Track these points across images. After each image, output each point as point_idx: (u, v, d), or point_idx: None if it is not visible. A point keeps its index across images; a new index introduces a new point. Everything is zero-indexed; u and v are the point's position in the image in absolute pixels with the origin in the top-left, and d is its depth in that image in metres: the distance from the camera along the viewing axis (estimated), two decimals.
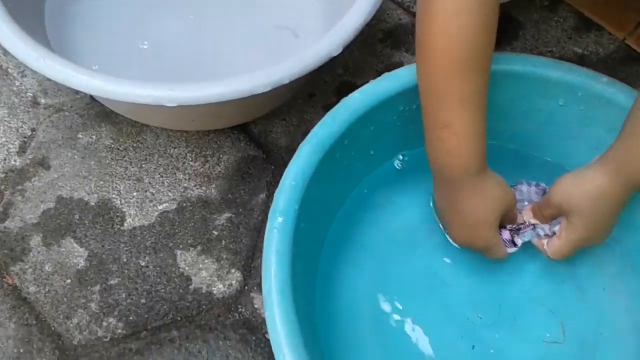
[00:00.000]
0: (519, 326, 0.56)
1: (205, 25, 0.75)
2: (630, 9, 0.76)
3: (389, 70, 0.56)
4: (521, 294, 0.58)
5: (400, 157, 0.62)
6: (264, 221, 0.67)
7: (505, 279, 0.58)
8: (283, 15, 0.76)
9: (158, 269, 0.65)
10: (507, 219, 0.55)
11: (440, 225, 0.58)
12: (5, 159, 0.71)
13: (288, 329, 0.44)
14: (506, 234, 0.55)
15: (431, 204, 0.59)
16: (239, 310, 0.63)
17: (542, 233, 0.55)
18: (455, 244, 0.56)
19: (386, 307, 0.57)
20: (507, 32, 0.78)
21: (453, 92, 0.47)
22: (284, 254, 0.47)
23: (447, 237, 0.57)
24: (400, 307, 0.57)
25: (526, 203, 0.56)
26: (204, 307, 0.63)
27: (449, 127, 0.48)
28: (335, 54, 0.57)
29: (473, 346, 0.55)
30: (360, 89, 0.55)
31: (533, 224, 0.55)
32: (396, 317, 0.56)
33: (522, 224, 0.55)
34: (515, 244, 0.55)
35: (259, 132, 0.73)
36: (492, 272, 0.58)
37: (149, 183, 0.69)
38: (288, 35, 0.74)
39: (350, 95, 0.54)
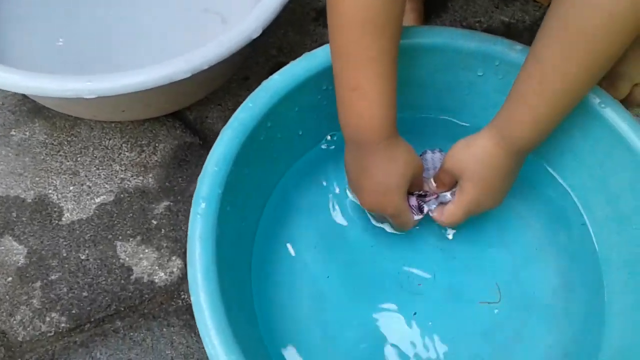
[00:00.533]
0: (455, 290, 0.58)
1: (131, 11, 0.75)
2: None
3: (321, 47, 0.56)
4: (454, 261, 0.59)
5: (329, 137, 0.63)
6: None
7: (437, 245, 0.60)
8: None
9: (98, 261, 0.65)
10: (414, 186, 0.56)
11: (350, 189, 0.59)
12: None
13: (213, 310, 0.45)
14: (413, 201, 0.56)
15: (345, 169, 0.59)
16: (182, 297, 0.64)
17: (444, 200, 0.56)
18: (364, 209, 0.56)
19: (323, 284, 0.58)
20: (435, 4, 0.79)
21: (360, 53, 0.48)
22: (207, 239, 0.47)
23: (356, 201, 0.57)
24: (338, 284, 0.58)
25: (431, 172, 0.58)
26: (146, 296, 0.64)
27: (358, 90, 0.48)
28: (254, 36, 0.57)
29: (415, 313, 0.57)
30: (280, 70, 0.55)
31: (437, 193, 0.56)
32: (334, 293, 0.58)
33: (427, 191, 0.57)
34: (421, 211, 0.56)
35: (194, 118, 0.73)
36: (422, 241, 0.60)
37: (85, 176, 0.69)
38: (216, 19, 0.73)
39: (270, 77, 0.55)
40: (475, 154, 0.52)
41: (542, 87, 0.47)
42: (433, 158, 0.58)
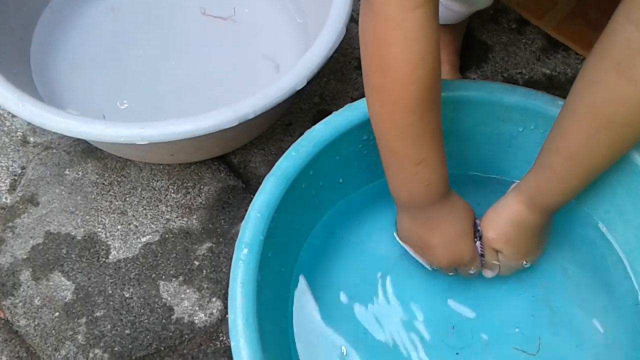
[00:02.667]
0: (494, 337, 0.57)
1: (189, 57, 0.78)
2: (595, 28, 0.77)
3: (364, 98, 0.58)
4: (496, 310, 0.59)
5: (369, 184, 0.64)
6: None
7: (481, 301, 0.60)
8: (268, 45, 0.79)
9: (142, 300, 0.67)
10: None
11: (417, 257, 0.59)
12: None
13: (252, 358, 0.46)
14: (477, 247, 0.57)
15: (397, 238, 0.60)
16: (220, 338, 0.65)
17: None
18: (440, 268, 0.58)
19: (360, 330, 0.58)
20: (477, 56, 0.80)
21: (422, 128, 0.49)
22: (248, 285, 0.49)
23: (428, 266, 0.59)
24: (376, 331, 0.58)
25: None
26: (186, 336, 0.65)
27: (423, 162, 0.50)
28: (299, 87, 0.60)
29: (457, 353, 0.57)
30: (323, 120, 0.57)
31: None
32: (372, 340, 0.58)
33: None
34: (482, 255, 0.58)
35: (238, 162, 0.75)
36: (465, 294, 0.60)
37: (133, 216, 0.72)
38: (270, 66, 0.76)
39: (314, 127, 0.56)
40: (511, 218, 0.54)
41: (572, 162, 0.49)
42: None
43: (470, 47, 0.80)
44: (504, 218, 0.55)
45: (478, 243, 0.57)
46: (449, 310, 0.59)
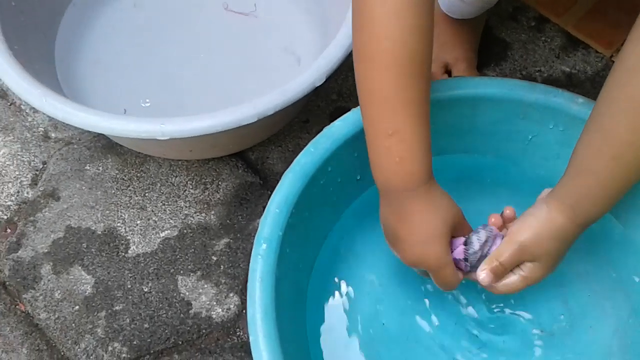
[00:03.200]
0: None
1: (212, 52, 0.79)
2: (616, 26, 0.77)
3: None
4: (511, 326, 0.59)
5: None
6: None
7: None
8: (288, 39, 0.79)
9: (160, 294, 0.67)
10: (457, 235, 0.52)
11: (388, 244, 0.53)
12: (18, 192, 0.75)
13: (270, 352, 0.46)
14: (459, 252, 0.51)
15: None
16: (237, 333, 0.65)
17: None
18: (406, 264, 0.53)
19: (377, 331, 0.58)
20: (495, 53, 0.80)
21: (398, 96, 0.46)
22: (267, 280, 0.49)
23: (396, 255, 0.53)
24: (393, 330, 0.58)
25: (475, 257, 0.51)
26: (203, 331, 0.65)
27: (396, 134, 0.47)
28: (318, 84, 0.60)
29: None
30: (342, 117, 0.57)
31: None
32: (389, 333, 0.58)
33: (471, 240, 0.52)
34: (468, 267, 0.51)
35: (256, 158, 0.76)
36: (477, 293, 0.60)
37: (152, 211, 0.73)
38: (291, 60, 0.77)
39: (332, 123, 0.57)
40: (554, 233, 0.48)
41: (616, 164, 0.45)
42: (482, 239, 0.51)
43: (489, 45, 0.80)
44: (547, 230, 0.48)
45: (461, 248, 0.51)
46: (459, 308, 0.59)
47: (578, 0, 0.81)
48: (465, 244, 0.51)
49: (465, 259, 0.51)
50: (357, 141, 0.57)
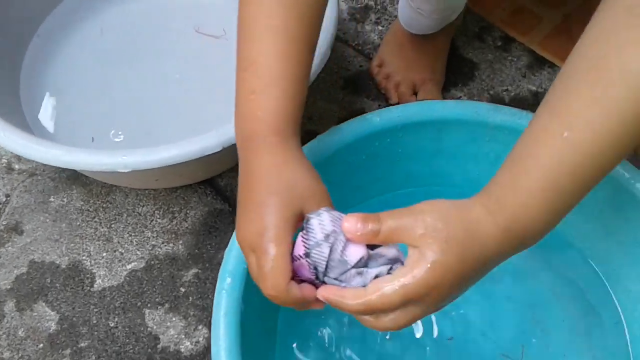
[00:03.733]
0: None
1: (182, 77, 0.78)
2: None
3: (351, 117, 0.57)
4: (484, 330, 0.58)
5: (356, 206, 0.63)
6: None
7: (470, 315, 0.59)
8: None
9: (127, 329, 0.65)
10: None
11: None
12: None
13: None
14: (298, 246, 0.35)
15: None
16: None
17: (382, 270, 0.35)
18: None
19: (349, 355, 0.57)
20: (463, 74, 0.80)
21: (260, 22, 0.40)
22: (231, 315, 0.48)
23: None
24: (363, 355, 0.57)
25: (326, 245, 0.35)
26: None
27: (252, 67, 0.40)
28: None
29: None
30: (307, 144, 0.56)
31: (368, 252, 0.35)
32: None
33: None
34: (317, 275, 0.35)
35: (225, 185, 0.75)
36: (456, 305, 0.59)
37: (118, 243, 0.71)
38: None
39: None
40: (466, 220, 0.35)
41: (568, 144, 0.34)
42: (324, 222, 0.35)
43: (457, 65, 0.80)
44: (463, 218, 0.35)
45: (299, 240, 0.36)
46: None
47: (543, 19, 0.82)
48: (303, 230, 0.35)
49: (307, 255, 0.35)
50: (324, 168, 0.56)
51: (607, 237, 0.58)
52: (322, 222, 0.35)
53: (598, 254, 0.59)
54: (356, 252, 0.35)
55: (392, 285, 0.34)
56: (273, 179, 0.38)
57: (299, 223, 0.37)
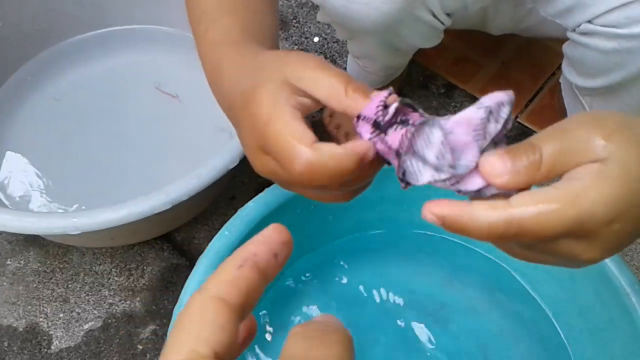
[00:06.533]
0: None
1: (142, 134, 0.80)
2: (519, 88, 0.82)
3: None
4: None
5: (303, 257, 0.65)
6: None
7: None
8: (219, 118, 0.80)
9: None
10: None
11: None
12: None
13: None
14: (370, 108, 0.29)
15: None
16: None
17: (488, 191, 0.27)
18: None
19: None
20: None
21: None
22: None
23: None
24: None
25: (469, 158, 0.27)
26: None
27: (203, 14, 0.41)
28: (231, 166, 0.61)
29: None
30: (254, 198, 0.58)
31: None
32: None
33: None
34: (376, 135, 0.28)
35: (182, 239, 0.76)
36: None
37: (75, 303, 0.71)
38: (224, 136, 0.78)
39: (246, 205, 0.57)
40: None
41: None
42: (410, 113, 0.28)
43: None
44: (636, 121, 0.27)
45: (375, 103, 0.29)
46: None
47: (482, 66, 0.86)
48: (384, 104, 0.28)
49: (377, 124, 0.28)
50: (271, 221, 0.58)
51: (546, 274, 0.60)
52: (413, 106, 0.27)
53: (541, 291, 0.62)
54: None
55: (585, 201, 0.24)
56: (247, 68, 0.35)
57: (299, 92, 0.32)
